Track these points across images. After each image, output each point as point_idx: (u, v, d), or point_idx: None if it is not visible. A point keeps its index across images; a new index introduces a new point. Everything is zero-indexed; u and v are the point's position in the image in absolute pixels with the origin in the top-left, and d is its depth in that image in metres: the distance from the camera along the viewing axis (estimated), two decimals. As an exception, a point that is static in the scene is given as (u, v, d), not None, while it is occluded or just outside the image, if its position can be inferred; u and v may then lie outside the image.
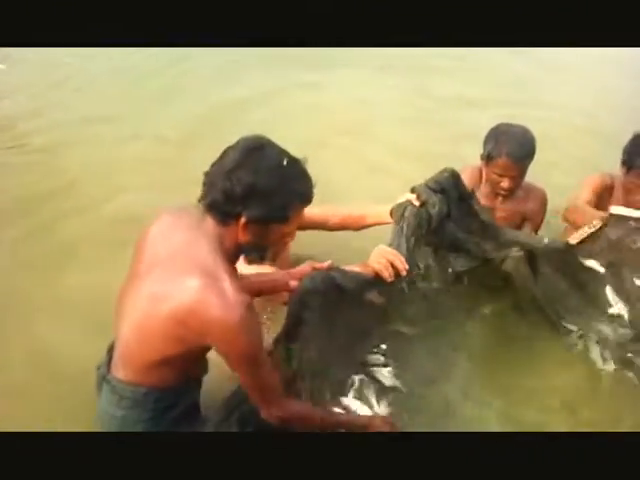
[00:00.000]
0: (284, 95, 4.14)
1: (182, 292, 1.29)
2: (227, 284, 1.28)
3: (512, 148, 2.14)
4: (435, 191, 1.87)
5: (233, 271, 1.37)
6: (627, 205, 2.13)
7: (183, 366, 1.43)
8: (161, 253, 1.37)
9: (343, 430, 1.55)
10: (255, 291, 1.64)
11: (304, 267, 1.66)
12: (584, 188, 2.33)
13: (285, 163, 1.32)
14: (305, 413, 1.52)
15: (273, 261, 1.94)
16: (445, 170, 1.92)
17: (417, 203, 1.84)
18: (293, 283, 1.60)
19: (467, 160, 2.50)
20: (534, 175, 2.32)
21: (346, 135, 3.69)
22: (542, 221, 2.44)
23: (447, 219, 1.93)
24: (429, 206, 1.86)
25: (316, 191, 1.40)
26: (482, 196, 2.29)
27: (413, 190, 1.87)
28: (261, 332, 1.38)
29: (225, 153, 1.34)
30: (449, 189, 1.90)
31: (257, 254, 1.41)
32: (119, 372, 1.46)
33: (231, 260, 1.39)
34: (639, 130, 2.17)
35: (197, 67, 4.55)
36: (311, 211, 2.03)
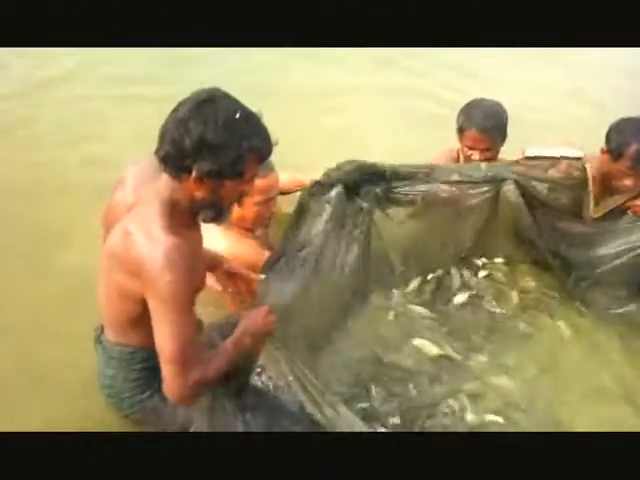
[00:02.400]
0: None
1: (117, 242, 1.34)
2: (156, 224, 1.28)
3: (478, 119, 2.20)
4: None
5: (175, 220, 1.32)
6: (612, 190, 2.15)
7: None
8: (122, 211, 1.40)
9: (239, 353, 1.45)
10: None
11: (240, 269, 1.68)
12: None
13: (238, 116, 1.27)
14: (206, 365, 1.37)
15: (251, 231, 2.02)
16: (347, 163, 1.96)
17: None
18: (219, 273, 1.66)
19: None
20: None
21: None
22: None
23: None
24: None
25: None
26: None
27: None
28: (190, 279, 1.31)
29: (178, 105, 1.30)
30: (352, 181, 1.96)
31: (213, 213, 1.37)
32: (107, 333, 1.54)
33: (185, 217, 1.36)
34: (620, 117, 2.14)
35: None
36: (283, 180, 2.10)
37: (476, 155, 2.24)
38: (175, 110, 1.30)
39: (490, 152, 2.25)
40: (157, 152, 1.31)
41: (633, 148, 2.03)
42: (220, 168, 1.27)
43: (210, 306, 1.84)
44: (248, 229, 2.02)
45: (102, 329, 1.58)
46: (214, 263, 1.68)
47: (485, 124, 2.19)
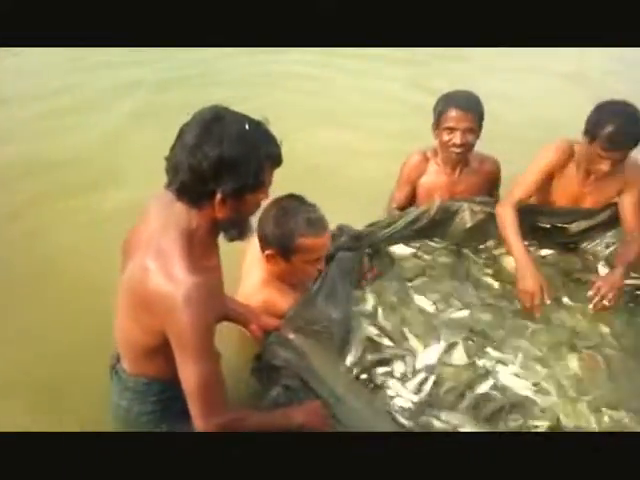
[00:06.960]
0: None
1: (135, 276, 1.29)
2: (176, 262, 1.23)
3: (459, 99, 2.25)
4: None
5: (195, 253, 1.28)
6: (588, 173, 2.13)
7: None
8: (138, 243, 1.35)
9: (279, 429, 1.46)
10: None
11: (274, 322, 1.67)
12: (525, 177, 2.23)
13: (247, 127, 1.23)
14: (243, 417, 1.41)
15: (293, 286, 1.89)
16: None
17: None
18: (254, 328, 1.64)
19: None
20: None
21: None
22: (498, 187, 2.50)
23: None
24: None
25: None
26: (438, 173, 2.40)
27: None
28: (210, 318, 1.29)
29: (182, 131, 1.24)
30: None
31: (237, 231, 1.35)
32: (123, 363, 1.50)
33: (205, 244, 1.33)
34: (601, 100, 2.08)
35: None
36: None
37: (457, 137, 2.23)
38: (180, 137, 1.25)
39: (471, 135, 2.25)
40: (171, 184, 1.26)
41: (607, 130, 1.95)
42: (243, 184, 1.24)
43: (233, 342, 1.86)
44: (291, 283, 1.88)
45: (118, 358, 1.53)
46: (248, 318, 1.68)
47: (468, 104, 2.24)
